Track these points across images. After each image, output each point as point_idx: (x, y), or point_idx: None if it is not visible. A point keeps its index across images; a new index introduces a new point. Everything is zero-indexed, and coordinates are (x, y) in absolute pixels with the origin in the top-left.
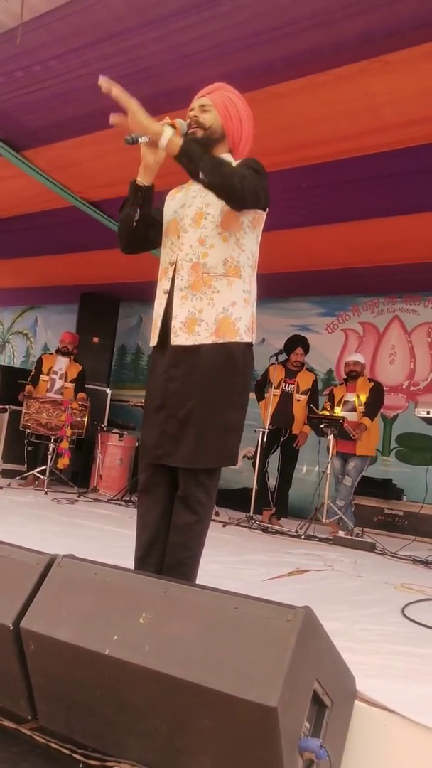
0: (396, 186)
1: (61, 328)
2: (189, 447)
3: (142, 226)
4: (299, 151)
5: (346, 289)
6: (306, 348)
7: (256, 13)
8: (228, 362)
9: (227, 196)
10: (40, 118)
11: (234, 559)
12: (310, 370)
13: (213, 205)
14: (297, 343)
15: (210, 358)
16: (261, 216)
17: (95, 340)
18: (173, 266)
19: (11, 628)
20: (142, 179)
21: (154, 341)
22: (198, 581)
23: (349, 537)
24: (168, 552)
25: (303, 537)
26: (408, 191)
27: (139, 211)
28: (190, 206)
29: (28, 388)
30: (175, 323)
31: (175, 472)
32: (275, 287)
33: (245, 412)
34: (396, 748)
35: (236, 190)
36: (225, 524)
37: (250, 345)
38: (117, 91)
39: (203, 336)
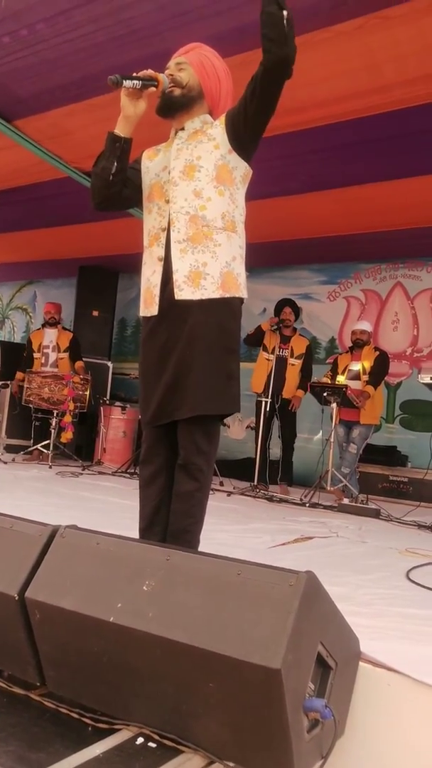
0: (397, 148)
1: (60, 301)
2: (196, 395)
3: (118, 181)
4: (297, 115)
5: (348, 256)
6: (294, 308)
7: None
8: (230, 315)
9: (285, 56)
10: (30, 85)
11: (238, 528)
12: (305, 336)
13: (204, 157)
14: (284, 303)
15: (213, 311)
16: (249, 173)
17: (95, 313)
18: (165, 231)
19: (16, 598)
20: (121, 131)
21: (151, 310)
22: (203, 549)
23: (353, 504)
24: (171, 520)
25: (308, 505)
26: (409, 154)
27: (116, 164)
28: (175, 159)
29: (19, 375)
30: (178, 277)
31: (176, 441)
32: (275, 256)
33: (239, 361)
34: (401, 707)
35: (291, 60)
36: (230, 494)
37: (243, 300)
38: None
39: (210, 290)
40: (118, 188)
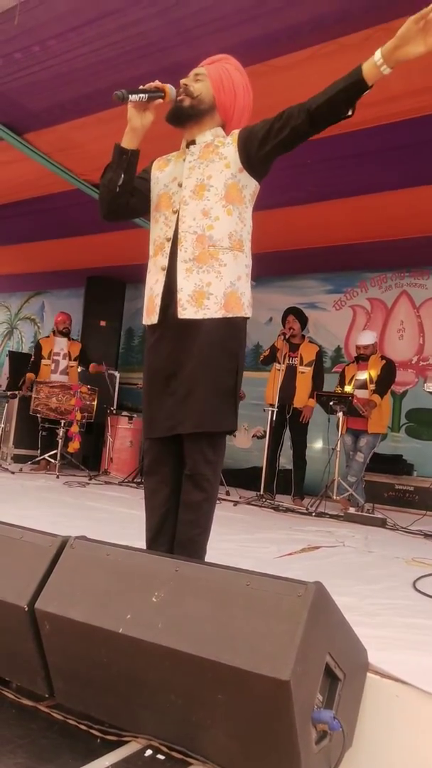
0: (402, 158)
1: (68, 312)
2: (199, 411)
3: (125, 192)
4: None
5: (354, 265)
6: (299, 315)
7: None
8: (232, 334)
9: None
10: (41, 99)
11: (245, 537)
12: (314, 342)
13: (215, 177)
14: (288, 312)
15: (217, 330)
16: (258, 189)
17: (102, 323)
18: (170, 241)
19: (26, 609)
20: (128, 143)
21: (152, 319)
22: (210, 559)
23: (360, 513)
24: (178, 530)
25: (314, 514)
26: (414, 163)
27: (123, 176)
28: (187, 178)
29: (29, 375)
30: (182, 296)
31: (181, 451)
32: (282, 265)
33: (242, 380)
34: (409, 718)
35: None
36: (236, 503)
37: (247, 319)
38: None
39: (212, 310)
40: (125, 199)
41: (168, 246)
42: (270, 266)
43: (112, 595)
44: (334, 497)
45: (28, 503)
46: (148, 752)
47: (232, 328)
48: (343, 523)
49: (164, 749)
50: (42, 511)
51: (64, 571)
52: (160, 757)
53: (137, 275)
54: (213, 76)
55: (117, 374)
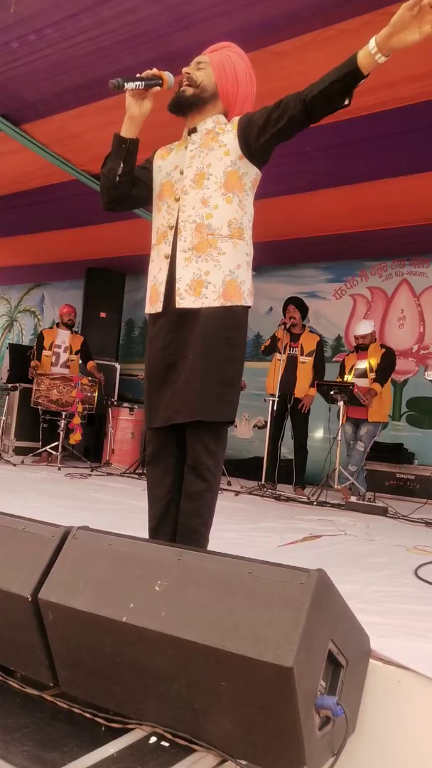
0: (401, 145)
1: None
2: (198, 400)
3: (125, 181)
4: None
5: (354, 253)
6: (299, 305)
7: None
8: (232, 323)
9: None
10: (39, 89)
11: (247, 527)
12: (314, 332)
13: (214, 165)
14: (289, 301)
15: (216, 319)
16: (259, 177)
17: (102, 315)
18: (173, 229)
19: (30, 599)
20: (127, 132)
21: (156, 307)
22: (212, 548)
23: (361, 502)
24: (181, 520)
25: (315, 503)
26: (413, 150)
27: (122, 165)
28: (188, 167)
29: (34, 362)
30: (180, 285)
31: (183, 442)
32: (281, 254)
33: (242, 370)
34: (411, 703)
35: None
36: (237, 493)
37: (248, 308)
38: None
39: (210, 299)
40: (125, 188)
41: (171, 234)
42: (270, 255)
43: (115, 584)
44: (335, 486)
45: (30, 495)
46: (153, 739)
47: (231, 316)
48: (344, 512)
49: (168, 736)
50: (44, 503)
51: (66, 561)
52: (165, 744)
53: (137, 266)
54: (215, 63)
55: (118, 366)
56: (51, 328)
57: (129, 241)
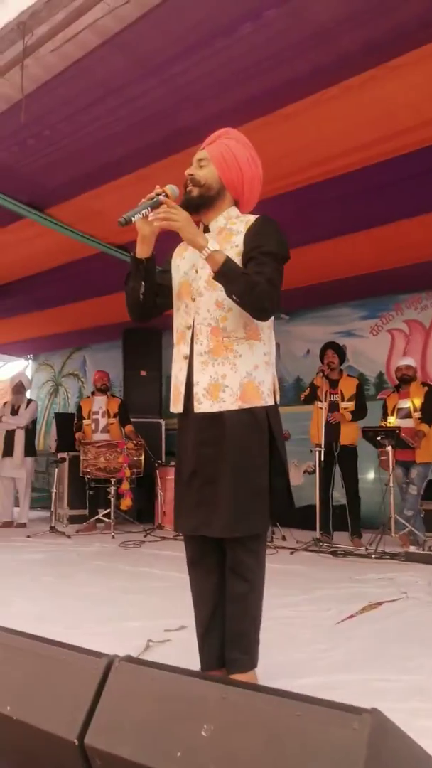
0: (418, 186)
1: (108, 364)
2: (225, 515)
3: (149, 296)
4: (316, 168)
5: (386, 288)
6: (337, 350)
7: (252, 45)
8: (254, 427)
9: (254, 313)
10: (58, 176)
11: (303, 598)
12: (353, 375)
13: None
14: (326, 347)
15: (236, 423)
16: None
17: (143, 373)
18: (191, 330)
19: (76, 743)
20: (141, 252)
21: (178, 408)
22: (268, 631)
23: (421, 552)
24: (228, 625)
25: (374, 556)
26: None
27: (143, 284)
28: (202, 267)
29: (78, 435)
30: (198, 390)
31: (222, 540)
32: (314, 297)
33: (275, 470)
34: None
35: (266, 311)
36: (293, 551)
37: (274, 406)
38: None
39: (228, 402)
40: (150, 302)
41: (188, 334)
42: (302, 298)
43: (160, 728)
44: (393, 534)
45: (83, 578)
46: None
47: (253, 420)
48: (403, 566)
49: None
50: (98, 587)
51: (110, 699)
52: None
53: (171, 322)
54: (215, 157)
55: (162, 422)
56: (88, 397)
57: None
